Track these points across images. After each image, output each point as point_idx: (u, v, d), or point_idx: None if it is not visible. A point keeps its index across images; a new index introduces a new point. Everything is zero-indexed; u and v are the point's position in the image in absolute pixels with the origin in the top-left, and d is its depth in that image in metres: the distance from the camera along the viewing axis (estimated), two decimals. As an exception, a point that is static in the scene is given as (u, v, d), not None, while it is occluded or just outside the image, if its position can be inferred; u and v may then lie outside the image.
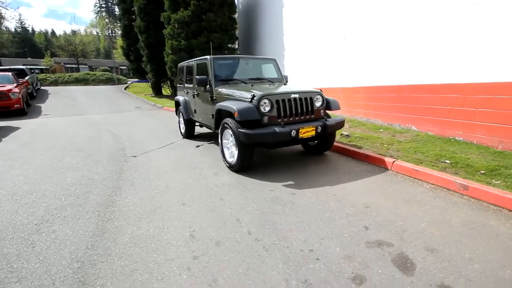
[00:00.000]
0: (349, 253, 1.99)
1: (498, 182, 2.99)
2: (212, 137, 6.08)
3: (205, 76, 4.46)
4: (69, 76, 28.87)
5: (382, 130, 5.58)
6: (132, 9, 15.88)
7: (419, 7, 4.99)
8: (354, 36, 6.54)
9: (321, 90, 4.06)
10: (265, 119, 3.53)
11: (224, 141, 4.01)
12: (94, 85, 28.45)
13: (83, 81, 28.63)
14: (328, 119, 3.89)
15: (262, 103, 3.51)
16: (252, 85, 4.34)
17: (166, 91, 17.92)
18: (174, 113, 6.81)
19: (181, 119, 6.18)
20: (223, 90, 4.20)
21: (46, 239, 2.28)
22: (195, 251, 2.07)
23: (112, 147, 5.50)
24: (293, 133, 3.46)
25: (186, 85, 5.77)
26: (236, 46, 12.62)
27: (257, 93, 3.56)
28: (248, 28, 12.59)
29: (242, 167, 3.69)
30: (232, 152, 3.85)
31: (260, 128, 3.44)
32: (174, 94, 16.55)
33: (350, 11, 6.60)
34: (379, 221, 2.42)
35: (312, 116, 3.85)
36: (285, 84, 4.90)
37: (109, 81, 31.32)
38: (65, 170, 4.10)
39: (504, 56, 3.83)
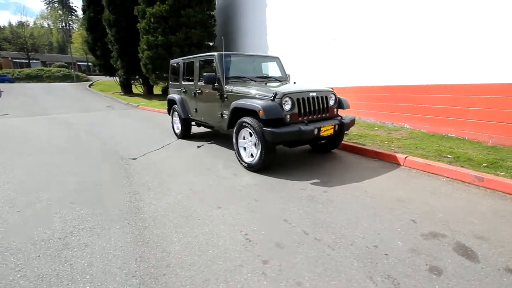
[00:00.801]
0: (412, 246, 2.05)
1: (503, 173, 3.32)
2: (211, 137, 5.88)
3: (214, 74, 4.29)
4: (19, 72, 26.00)
5: (376, 128, 5.87)
6: (98, 0, 14.74)
7: (414, 12, 5.33)
8: (345, 37, 6.78)
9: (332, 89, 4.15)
10: (287, 117, 3.51)
11: (240, 140, 3.89)
12: (49, 82, 25.89)
13: (37, 78, 25.93)
14: (343, 118, 3.99)
15: (284, 101, 3.47)
16: (266, 83, 4.27)
17: (137, 89, 16.93)
18: (151, 112, 6.49)
19: (176, 118, 5.89)
20: (235, 88, 4.07)
21: (82, 255, 2.01)
22: (260, 255, 1.98)
23: (102, 149, 5.05)
24: (316, 131, 3.48)
25: (183, 82, 5.50)
26: (212, 44, 12.28)
27: (279, 91, 3.51)
28: (226, 26, 12.39)
29: (264, 166, 3.61)
30: (250, 152, 3.75)
31: (285, 126, 3.41)
32: (147, 92, 15.71)
33: (340, 12, 6.82)
34: (420, 213, 2.54)
35: (327, 114, 3.92)
36: (294, 83, 4.90)
37: (66, 78, 28.76)
38: (60, 175, 3.66)
39: (494, 59, 4.26)
